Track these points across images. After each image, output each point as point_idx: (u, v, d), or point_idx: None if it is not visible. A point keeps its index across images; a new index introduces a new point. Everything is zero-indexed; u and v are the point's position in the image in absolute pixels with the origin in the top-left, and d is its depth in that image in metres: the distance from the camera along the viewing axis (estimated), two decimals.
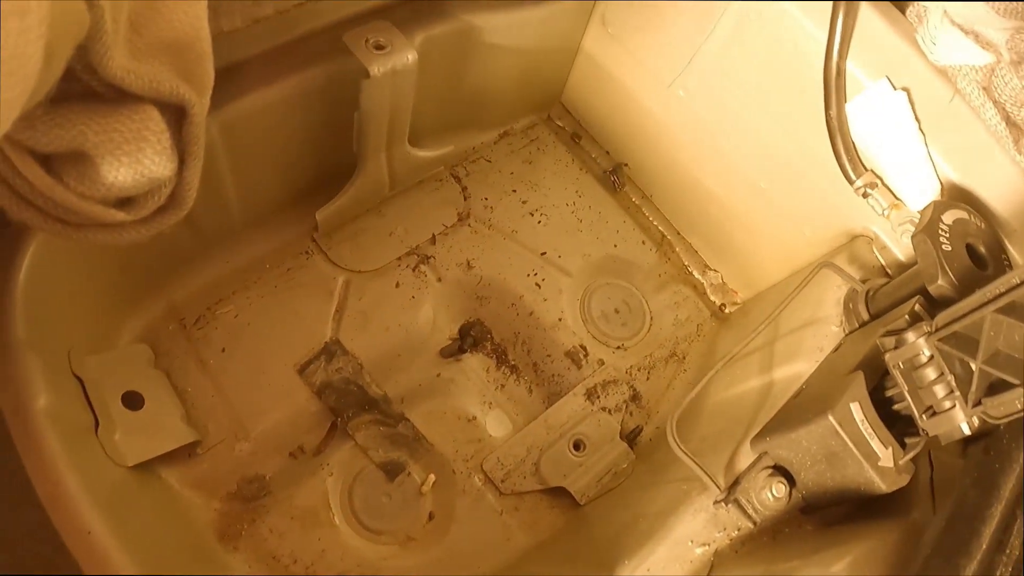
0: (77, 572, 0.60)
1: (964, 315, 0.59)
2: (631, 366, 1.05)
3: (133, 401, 0.77)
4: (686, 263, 1.17)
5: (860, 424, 0.63)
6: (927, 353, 0.62)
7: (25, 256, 0.66)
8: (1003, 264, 0.75)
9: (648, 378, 1.04)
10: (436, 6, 0.89)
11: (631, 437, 0.99)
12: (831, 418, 0.62)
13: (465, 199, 1.09)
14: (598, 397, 1.00)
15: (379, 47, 0.78)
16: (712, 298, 1.15)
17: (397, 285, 0.99)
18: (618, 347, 1.05)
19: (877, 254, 0.89)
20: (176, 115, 0.51)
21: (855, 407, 0.63)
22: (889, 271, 0.88)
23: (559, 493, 0.93)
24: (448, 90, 0.98)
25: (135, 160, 0.48)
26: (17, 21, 0.33)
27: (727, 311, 1.14)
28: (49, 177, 0.46)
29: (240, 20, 0.72)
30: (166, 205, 0.53)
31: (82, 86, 0.45)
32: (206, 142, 0.54)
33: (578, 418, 0.98)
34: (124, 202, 0.51)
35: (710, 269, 1.16)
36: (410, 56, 0.80)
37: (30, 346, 0.66)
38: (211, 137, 0.74)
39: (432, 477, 0.90)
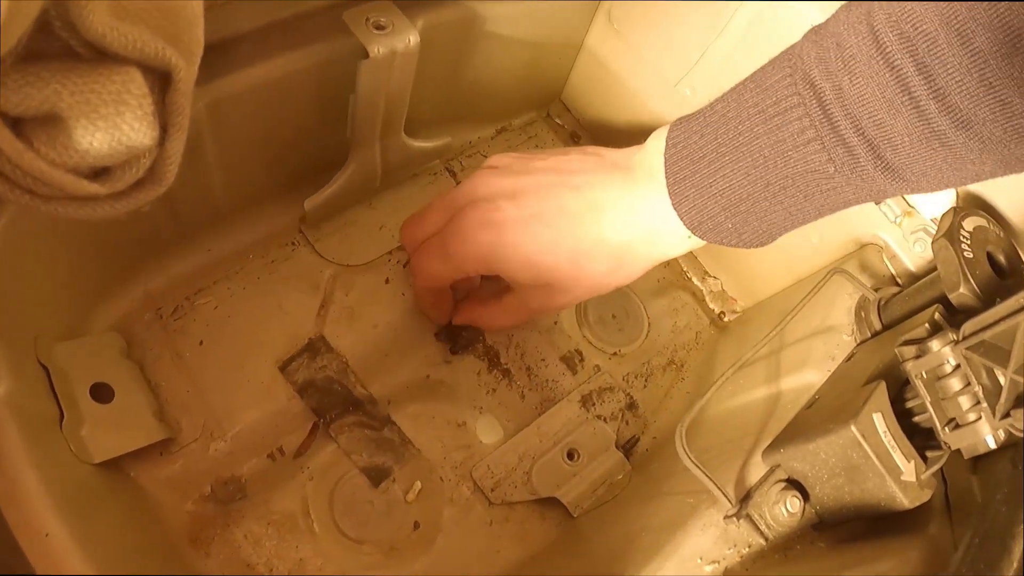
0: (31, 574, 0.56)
1: (995, 323, 0.57)
2: (628, 373, 1.01)
3: (102, 393, 0.72)
4: (685, 269, 1.14)
5: (883, 436, 0.60)
6: (953, 362, 0.60)
7: None
8: (1022, 273, 0.74)
9: (645, 386, 1.01)
10: None
11: (627, 447, 0.96)
12: (853, 428, 0.59)
13: None
14: (593, 404, 0.96)
15: (379, 27, 0.75)
16: (711, 305, 1.12)
17: (387, 281, 0.95)
18: (614, 353, 1.02)
19: (887, 262, 0.86)
20: (160, 81, 0.47)
21: (878, 418, 0.60)
22: (899, 280, 0.86)
23: (551, 504, 0.89)
24: (447, 79, 0.95)
25: (113, 125, 0.44)
26: None
27: (726, 319, 1.11)
28: (18, 141, 0.42)
29: None
30: (144, 179, 0.50)
31: (60, 44, 0.41)
32: (191, 120, 0.50)
33: (572, 426, 0.94)
34: (99, 173, 0.47)
35: (710, 276, 1.13)
36: (412, 38, 0.76)
37: None
38: (197, 115, 0.70)
39: (418, 484, 0.86)
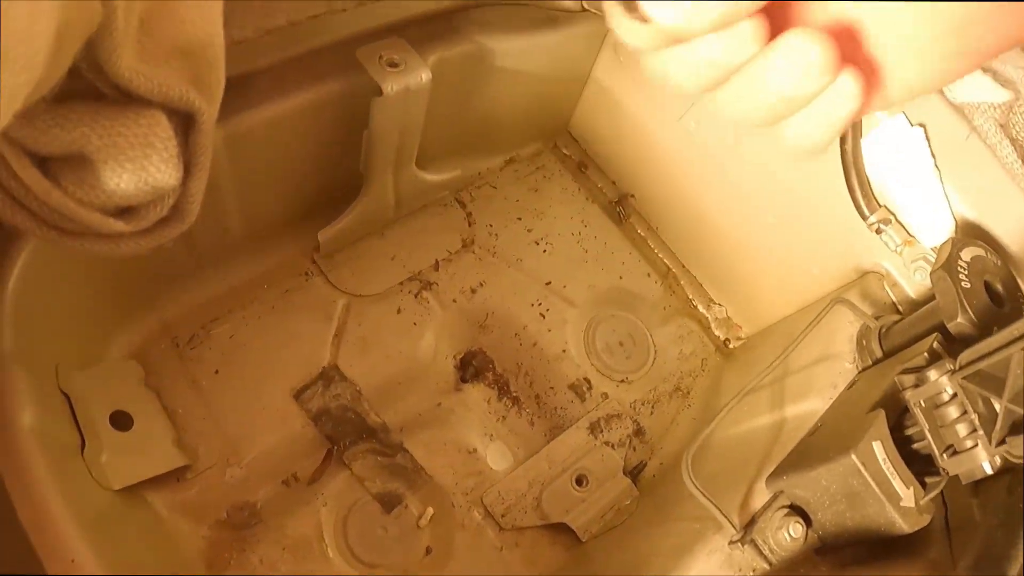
0: None
1: (990, 353, 0.58)
2: (635, 400, 1.03)
3: (122, 421, 0.74)
4: (691, 297, 1.15)
5: (882, 463, 0.61)
6: (950, 391, 0.60)
7: (16, 264, 0.64)
8: (1020, 302, 0.75)
9: (652, 413, 1.02)
10: (451, 27, 0.88)
11: (635, 473, 0.97)
12: (854, 457, 0.61)
13: (469, 225, 1.08)
14: (601, 431, 0.98)
15: (392, 64, 0.77)
16: (716, 333, 1.13)
17: (399, 311, 0.97)
18: (622, 380, 1.03)
19: (888, 290, 0.87)
20: (184, 122, 0.49)
21: (877, 446, 0.61)
22: (900, 308, 0.87)
23: (560, 529, 0.91)
24: (457, 113, 0.97)
25: (139, 167, 0.45)
26: (28, 2, 0.31)
27: (731, 346, 1.12)
28: (46, 180, 0.44)
29: (251, 30, 0.70)
30: (168, 217, 0.51)
31: (87, 86, 0.43)
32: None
33: (581, 452, 0.95)
34: (124, 211, 0.49)
35: (715, 303, 1.15)
36: (424, 75, 0.78)
37: (17, 359, 0.63)
38: (215, 149, 0.72)
39: (430, 510, 0.87)
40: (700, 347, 1.11)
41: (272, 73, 0.76)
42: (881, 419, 0.63)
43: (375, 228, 1.00)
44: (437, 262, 1.03)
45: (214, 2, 0.49)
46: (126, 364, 0.81)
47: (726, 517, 0.69)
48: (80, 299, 0.75)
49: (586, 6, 1.02)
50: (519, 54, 0.95)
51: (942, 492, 0.65)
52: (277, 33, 0.73)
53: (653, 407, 1.03)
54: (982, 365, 0.58)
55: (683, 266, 1.17)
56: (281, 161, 0.83)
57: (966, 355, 0.60)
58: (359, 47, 0.78)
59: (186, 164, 0.50)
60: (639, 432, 1.00)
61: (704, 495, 0.70)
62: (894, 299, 0.87)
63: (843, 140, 0.83)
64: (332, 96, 0.79)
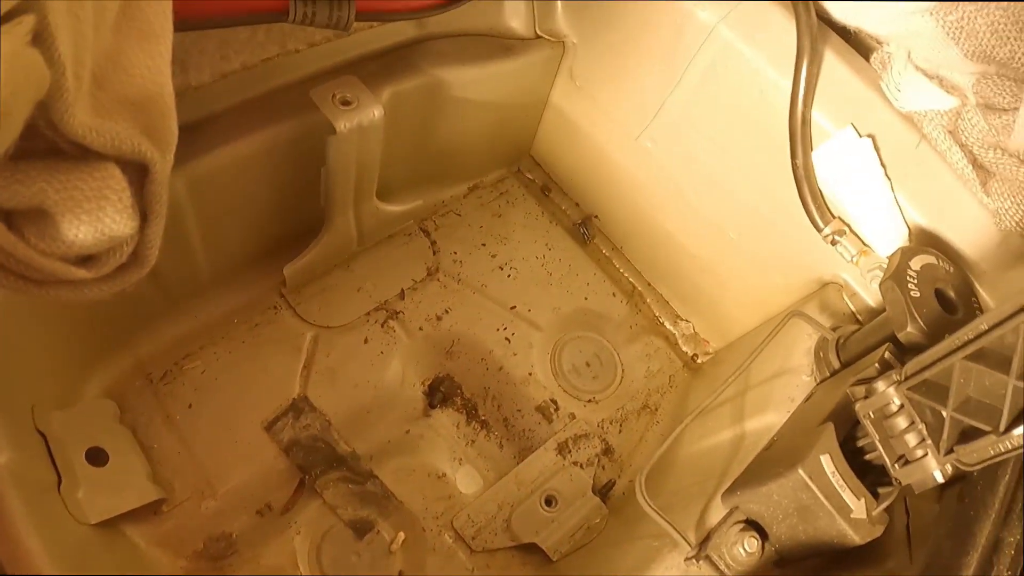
0: None
1: (933, 363, 0.59)
2: (603, 419, 1.04)
3: (97, 457, 0.75)
4: (657, 314, 1.17)
5: (831, 476, 0.62)
6: (897, 402, 0.62)
7: None
8: (973, 308, 0.76)
9: (620, 431, 1.04)
10: (405, 61, 0.90)
11: (604, 491, 0.98)
12: (801, 472, 0.62)
13: (434, 253, 1.09)
14: (570, 451, 0.99)
15: (345, 103, 0.79)
16: (684, 349, 1.15)
17: (366, 341, 0.99)
18: (589, 400, 1.05)
19: (847, 301, 0.89)
20: (139, 172, 0.50)
21: (825, 459, 0.63)
22: (860, 318, 0.88)
23: (531, 549, 0.92)
24: (417, 144, 0.98)
25: (95, 219, 0.47)
26: None
27: (699, 361, 1.14)
28: (11, 233, 0.45)
29: (208, 75, 0.72)
30: (128, 263, 0.53)
31: (45, 142, 0.44)
32: (172, 198, 0.53)
33: (549, 473, 0.97)
34: (86, 259, 0.50)
35: (681, 320, 1.16)
36: (376, 112, 0.80)
37: None
38: (177, 193, 0.74)
39: (402, 535, 0.89)
40: (667, 364, 1.13)
41: (230, 116, 0.77)
42: (829, 432, 0.64)
43: (340, 260, 1.02)
44: (403, 291, 1.04)
45: (162, 54, 0.51)
46: (101, 402, 0.82)
47: (680, 534, 0.70)
48: (53, 342, 0.76)
49: (540, 33, 1.04)
50: (475, 84, 0.97)
51: (905, 500, 0.67)
52: (233, 77, 0.74)
53: (621, 425, 1.04)
54: (927, 375, 0.59)
55: (649, 284, 1.19)
56: (243, 200, 0.84)
57: (911, 366, 0.62)
58: (314, 87, 0.79)
59: (143, 212, 0.51)
60: (608, 451, 1.02)
61: (657, 513, 0.71)
62: (853, 309, 0.89)
63: (794, 154, 0.84)
64: (289, 136, 0.81)
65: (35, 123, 0.43)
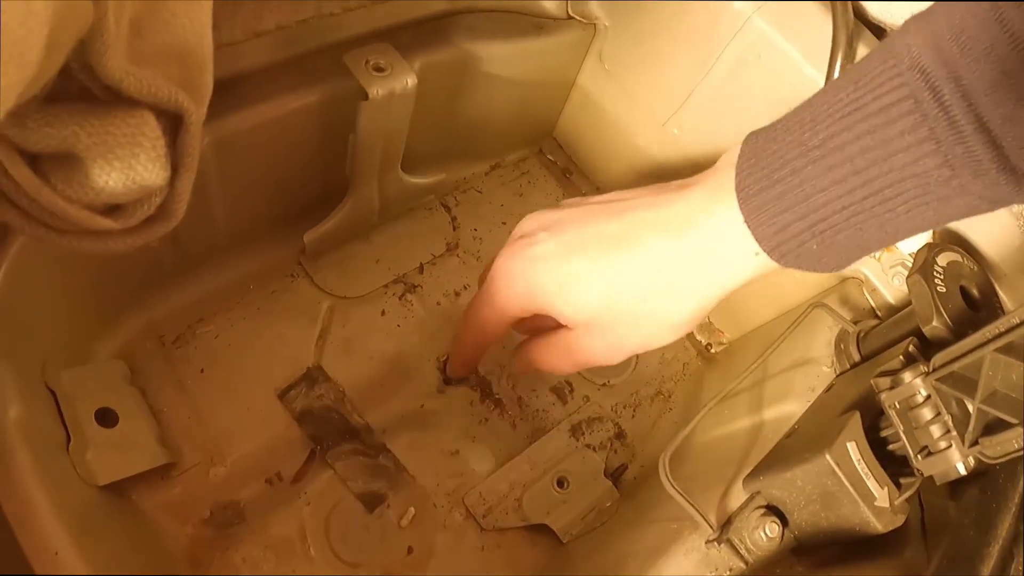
0: None
1: (963, 355, 0.59)
2: (616, 403, 1.03)
3: (107, 418, 0.74)
4: None
5: (857, 464, 0.62)
6: (924, 393, 0.62)
7: (3, 261, 0.64)
8: (995, 307, 0.76)
9: (633, 416, 1.03)
10: (438, 33, 0.89)
11: (616, 475, 0.98)
12: (828, 457, 0.62)
13: (454, 229, 1.08)
14: (583, 434, 0.99)
15: (379, 69, 0.78)
16: (699, 337, 1.14)
17: (383, 313, 0.98)
18: (603, 384, 1.04)
19: (867, 296, 0.89)
20: (172, 123, 0.50)
21: (852, 447, 0.62)
22: (879, 313, 0.88)
23: (542, 530, 0.91)
24: (443, 117, 0.98)
25: (128, 166, 0.46)
26: (23, 4, 0.31)
27: (713, 351, 1.13)
28: (36, 178, 0.44)
29: (240, 33, 0.71)
30: (155, 216, 0.52)
31: (78, 86, 0.44)
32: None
33: (562, 455, 0.96)
34: (112, 209, 0.50)
35: None
36: (409, 80, 0.79)
37: (4, 354, 0.64)
38: (203, 151, 0.72)
39: (412, 510, 0.88)
40: (682, 352, 1.12)
41: (260, 76, 0.77)
42: (856, 420, 0.64)
43: (360, 231, 1.01)
44: (421, 265, 1.03)
45: (203, 5, 0.50)
46: (112, 363, 0.82)
47: (703, 516, 0.70)
48: (67, 298, 0.75)
49: (572, 14, 1.03)
50: (505, 60, 0.96)
51: (919, 494, 0.66)
52: (266, 36, 0.74)
53: (634, 411, 1.04)
54: (955, 367, 0.59)
55: None
56: (268, 163, 0.83)
57: (939, 357, 0.62)
58: (347, 52, 0.78)
59: (173, 164, 0.50)
60: (620, 435, 1.01)
61: (682, 494, 0.71)
62: (873, 304, 0.88)
63: None
64: (319, 100, 0.80)
65: (69, 66, 0.42)
